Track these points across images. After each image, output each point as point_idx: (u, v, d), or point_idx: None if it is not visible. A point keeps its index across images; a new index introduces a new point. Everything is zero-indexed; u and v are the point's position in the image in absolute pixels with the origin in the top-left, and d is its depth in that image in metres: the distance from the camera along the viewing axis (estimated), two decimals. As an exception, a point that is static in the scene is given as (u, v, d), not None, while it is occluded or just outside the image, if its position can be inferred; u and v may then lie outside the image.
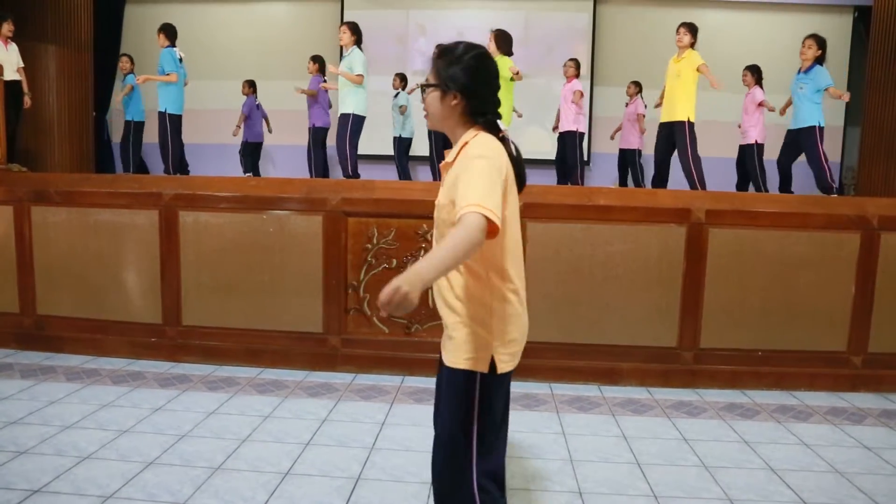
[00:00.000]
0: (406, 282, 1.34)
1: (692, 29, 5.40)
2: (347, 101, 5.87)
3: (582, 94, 6.95)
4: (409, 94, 7.97)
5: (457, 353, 1.74)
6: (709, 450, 3.11)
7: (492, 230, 1.51)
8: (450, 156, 1.72)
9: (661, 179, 5.74)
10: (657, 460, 2.98)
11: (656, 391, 3.98)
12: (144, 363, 4.22)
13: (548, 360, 4.02)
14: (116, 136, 9.75)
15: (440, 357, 1.83)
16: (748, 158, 6.34)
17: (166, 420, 3.28)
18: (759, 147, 6.31)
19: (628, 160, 8.02)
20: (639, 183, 7.86)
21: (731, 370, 4.06)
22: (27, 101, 6.20)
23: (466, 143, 1.69)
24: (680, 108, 5.40)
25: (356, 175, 6.05)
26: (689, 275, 4.02)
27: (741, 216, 4.03)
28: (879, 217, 4.03)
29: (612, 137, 8.10)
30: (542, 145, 8.73)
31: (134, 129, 7.36)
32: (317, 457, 2.91)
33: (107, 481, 2.59)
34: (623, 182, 8.04)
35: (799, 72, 5.47)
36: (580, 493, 2.63)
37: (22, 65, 6.11)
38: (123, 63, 7.59)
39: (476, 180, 1.56)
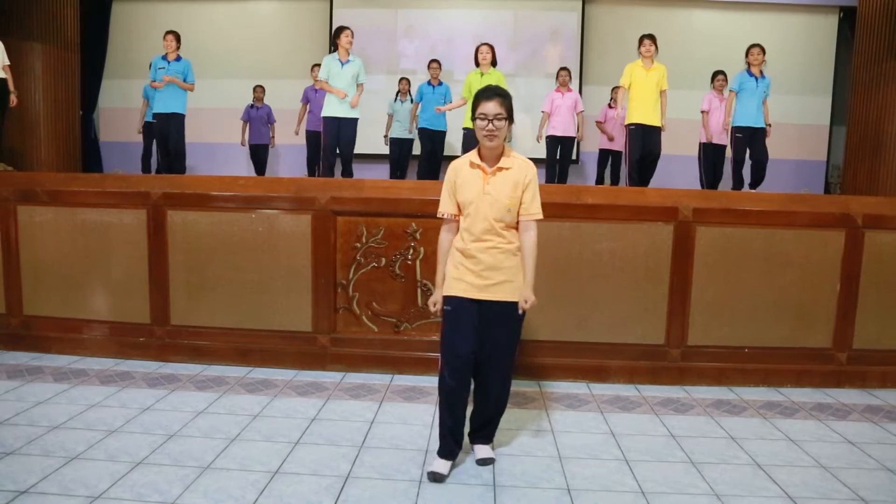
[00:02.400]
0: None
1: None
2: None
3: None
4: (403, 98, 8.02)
5: (516, 291, 2.73)
6: (696, 446, 3.14)
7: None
8: (505, 163, 2.72)
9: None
10: (645, 457, 3.00)
11: (644, 388, 4.00)
12: (132, 363, 4.20)
13: (537, 357, 4.04)
14: (103, 134, 9.72)
15: (477, 302, 2.72)
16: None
17: (155, 420, 3.26)
18: (704, 147, 7.07)
19: (613, 160, 8.12)
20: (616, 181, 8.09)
21: (719, 367, 4.09)
22: (13, 99, 6.15)
23: (512, 156, 2.74)
24: (658, 115, 6.05)
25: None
26: (677, 272, 4.05)
27: (728, 214, 4.07)
28: (864, 215, 4.08)
29: (610, 139, 8.16)
30: (532, 145, 8.76)
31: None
32: (306, 455, 2.91)
33: (95, 482, 2.58)
34: (604, 181, 8.17)
35: (755, 76, 6.13)
36: (568, 490, 2.64)
37: (7, 63, 6.06)
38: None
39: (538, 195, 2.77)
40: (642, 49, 6.00)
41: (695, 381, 4.08)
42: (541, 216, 2.76)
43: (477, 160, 2.73)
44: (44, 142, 7.71)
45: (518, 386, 3.93)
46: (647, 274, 4.05)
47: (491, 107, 2.63)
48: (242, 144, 8.43)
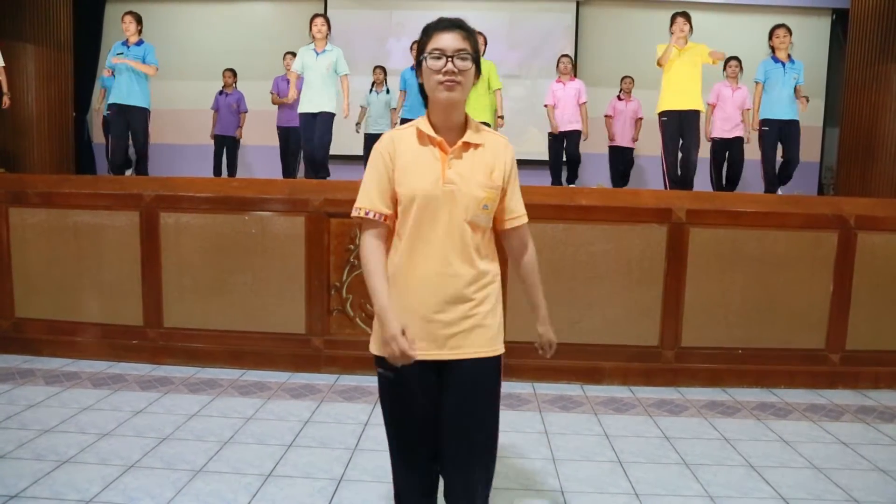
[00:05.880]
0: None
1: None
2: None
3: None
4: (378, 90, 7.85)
5: (494, 339, 1.79)
6: (689, 447, 3.14)
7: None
8: (473, 136, 1.75)
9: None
10: (639, 458, 3.00)
11: (638, 390, 4.01)
12: (125, 366, 4.18)
13: (530, 359, 3.98)
14: (97, 136, 9.67)
15: (433, 363, 1.74)
16: None
17: (147, 423, 3.25)
18: (715, 143, 6.45)
19: (626, 158, 7.90)
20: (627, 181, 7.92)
21: (712, 368, 4.10)
22: (6, 101, 6.12)
23: (481, 128, 1.80)
24: (698, 98, 5.39)
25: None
26: (671, 274, 4.06)
27: (721, 216, 4.08)
28: (856, 217, 4.09)
29: (611, 139, 7.98)
30: (528, 146, 8.77)
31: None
32: (299, 458, 2.90)
33: (86, 485, 2.57)
34: (620, 181, 7.93)
35: (782, 62, 5.40)
36: (562, 493, 2.64)
37: (2, 64, 6.03)
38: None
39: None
40: (674, 28, 5.32)
41: (688, 382, 4.08)
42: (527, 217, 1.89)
43: (429, 130, 1.73)
44: (36, 143, 7.67)
45: (512, 388, 3.93)
46: (641, 275, 4.06)
47: (449, 39, 1.68)
48: (211, 137, 7.95)
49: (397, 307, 1.70)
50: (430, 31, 1.73)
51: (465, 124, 1.77)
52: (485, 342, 1.76)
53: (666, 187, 5.63)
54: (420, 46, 1.75)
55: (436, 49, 1.67)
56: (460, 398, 1.75)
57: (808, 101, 5.52)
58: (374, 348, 1.82)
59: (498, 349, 1.80)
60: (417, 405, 1.77)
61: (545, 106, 6.99)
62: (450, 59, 1.66)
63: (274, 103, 7.71)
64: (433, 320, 1.73)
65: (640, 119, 7.88)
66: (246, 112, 8.08)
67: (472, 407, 1.76)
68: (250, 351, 4.18)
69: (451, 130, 1.75)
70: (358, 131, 7.81)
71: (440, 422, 1.77)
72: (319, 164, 5.91)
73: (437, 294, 1.72)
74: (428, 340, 1.72)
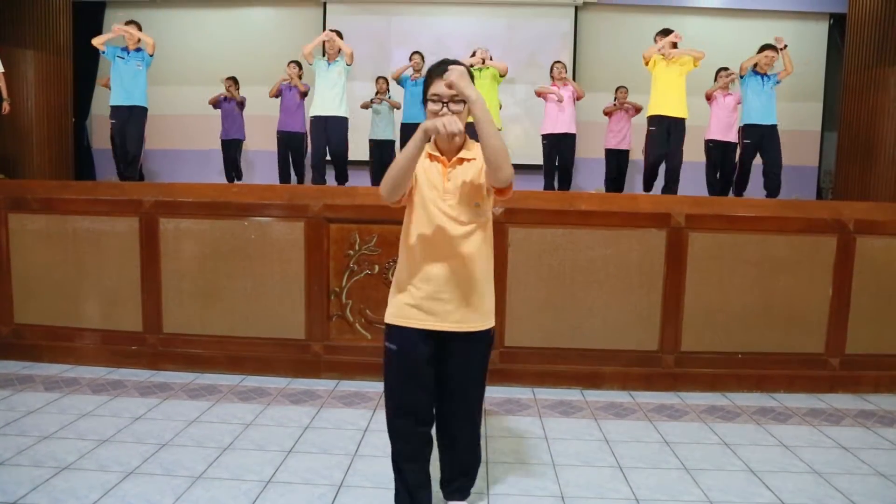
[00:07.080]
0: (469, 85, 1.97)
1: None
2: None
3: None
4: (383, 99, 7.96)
5: (490, 316, 2.26)
6: (690, 452, 3.14)
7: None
8: (467, 153, 2.18)
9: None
10: (639, 464, 3.00)
11: (638, 395, 4.01)
12: (124, 371, 4.18)
13: (530, 364, 4.04)
14: (96, 142, 9.69)
15: (432, 334, 2.18)
16: None
17: (147, 429, 3.24)
18: (708, 147, 6.66)
19: (621, 162, 7.92)
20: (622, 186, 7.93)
21: (712, 373, 4.10)
22: (6, 106, 6.13)
23: (474, 146, 2.17)
24: (684, 106, 5.79)
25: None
26: (670, 279, 4.06)
27: (721, 220, 4.08)
28: (855, 221, 4.10)
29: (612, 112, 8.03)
30: (525, 150, 8.79)
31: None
32: (299, 464, 2.89)
33: (85, 492, 2.56)
34: (617, 186, 7.95)
35: (761, 73, 5.88)
36: (562, 498, 2.64)
37: (2, 70, 6.04)
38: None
39: None
40: (660, 41, 5.77)
41: (688, 387, 4.08)
42: None
43: (434, 151, 2.20)
44: (36, 149, 7.69)
45: (512, 393, 3.92)
46: (641, 280, 4.06)
47: (446, 86, 2.04)
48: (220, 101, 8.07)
49: (414, 289, 2.18)
50: (432, 74, 2.13)
51: (462, 145, 2.19)
52: (482, 317, 2.22)
53: (644, 190, 5.95)
54: (424, 87, 2.17)
55: (434, 94, 2.09)
56: (458, 363, 2.23)
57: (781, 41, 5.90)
58: (388, 317, 2.24)
59: (490, 324, 2.26)
60: (419, 377, 2.20)
61: (536, 93, 7.18)
62: (445, 104, 2.09)
63: (271, 95, 7.72)
64: (439, 298, 2.16)
65: (640, 108, 7.81)
66: (244, 104, 8.11)
67: (466, 369, 2.25)
68: (250, 356, 4.17)
69: (452, 153, 2.19)
70: (362, 106, 8.03)
71: (440, 383, 2.24)
72: (339, 168, 6.42)
73: (442, 279, 2.16)
74: (434, 316, 2.17)
